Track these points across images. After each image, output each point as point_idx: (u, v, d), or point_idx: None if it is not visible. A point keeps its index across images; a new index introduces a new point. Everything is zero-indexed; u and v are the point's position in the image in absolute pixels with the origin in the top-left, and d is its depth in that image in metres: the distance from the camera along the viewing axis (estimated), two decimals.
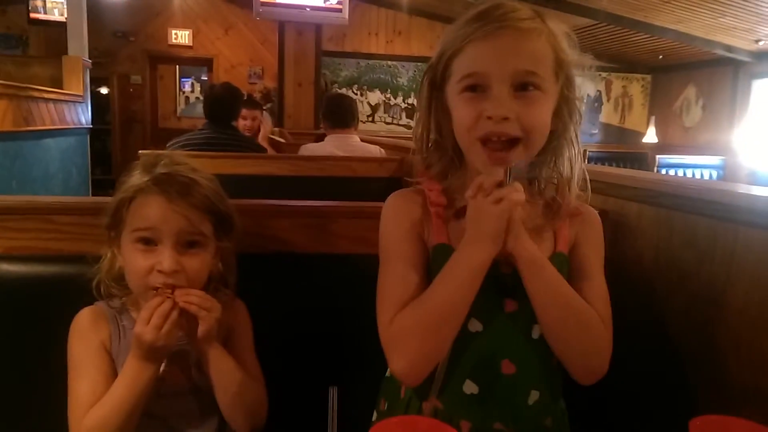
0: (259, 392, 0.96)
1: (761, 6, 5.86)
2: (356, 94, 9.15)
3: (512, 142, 0.83)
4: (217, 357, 0.91)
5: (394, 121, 9.41)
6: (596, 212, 0.96)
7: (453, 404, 0.88)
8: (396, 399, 0.96)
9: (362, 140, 3.30)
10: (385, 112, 9.39)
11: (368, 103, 9.34)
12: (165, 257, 0.88)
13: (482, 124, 0.82)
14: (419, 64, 9.32)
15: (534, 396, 0.88)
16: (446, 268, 0.83)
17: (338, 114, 3.24)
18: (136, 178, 0.92)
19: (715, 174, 6.12)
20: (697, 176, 5.78)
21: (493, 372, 0.87)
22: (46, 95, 5.07)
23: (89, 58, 6.02)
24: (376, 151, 3.24)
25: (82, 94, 6.02)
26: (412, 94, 9.39)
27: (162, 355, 0.88)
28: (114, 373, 0.90)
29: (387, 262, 0.91)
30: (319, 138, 3.57)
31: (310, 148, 3.29)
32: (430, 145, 0.93)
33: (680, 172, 5.76)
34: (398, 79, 9.36)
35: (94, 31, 6.71)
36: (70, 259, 1.03)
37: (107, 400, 0.86)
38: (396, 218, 0.93)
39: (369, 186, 2.92)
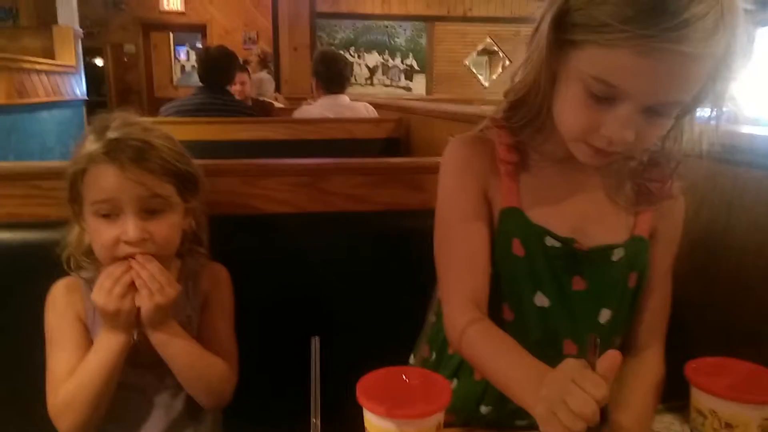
0: (221, 370, 0.91)
1: None
2: (353, 57, 9.01)
3: None
4: (165, 341, 0.87)
5: (393, 83, 9.30)
6: (683, 200, 0.86)
7: None
8: (443, 351, 0.92)
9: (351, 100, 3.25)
10: (383, 74, 9.27)
11: (366, 66, 9.20)
12: (129, 226, 0.84)
13: (594, 137, 0.71)
14: (417, 23, 9.15)
15: None
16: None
17: (332, 77, 3.17)
18: (88, 146, 0.87)
19: None
20: None
21: (555, 351, 0.82)
22: (38, 66, 5.01)
23: (81, 28, 5.92)
24: (365, 109, 3.19)
25: (74, 65, 5.94)
26: (410, 55, 9.25)
27: (126, 323, 0.84)
28: (90, 346, 0.88)
29: (447, 221, 0.84)
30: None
31: (304, 110, 3.25)
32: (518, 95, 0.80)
33: None
34: (396, 39, 9.21)
35: (84, 0, 6.58)
36: (57, 224, 1.01)
37: (78, 374, 0.85)
38: (458, 173, 0.84)
39: (367, 147, 2.90)
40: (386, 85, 9.23)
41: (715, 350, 0.91)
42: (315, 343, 0.56)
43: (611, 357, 0.59)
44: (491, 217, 0.83)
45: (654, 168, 0.82)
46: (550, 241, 0.81)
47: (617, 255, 0.82)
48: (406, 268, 1.12)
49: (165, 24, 8.74)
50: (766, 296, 0.89)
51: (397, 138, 2.97)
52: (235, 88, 3.84)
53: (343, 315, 1.13)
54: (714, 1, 0.63)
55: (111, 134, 0.86)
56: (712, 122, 0.75)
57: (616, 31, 0.63)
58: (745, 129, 0.99)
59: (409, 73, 9.29)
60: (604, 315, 0.83)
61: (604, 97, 0.68)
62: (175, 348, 0.88)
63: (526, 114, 0.80)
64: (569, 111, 0.73)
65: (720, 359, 0.70)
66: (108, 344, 0.85)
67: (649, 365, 0.85)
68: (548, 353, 0.78)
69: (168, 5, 8.49)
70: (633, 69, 0.64)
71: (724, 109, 0.74)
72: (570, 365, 0.60)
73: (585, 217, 0.83)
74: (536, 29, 0.73)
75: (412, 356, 1.00)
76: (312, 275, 1.15)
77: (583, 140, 0.73)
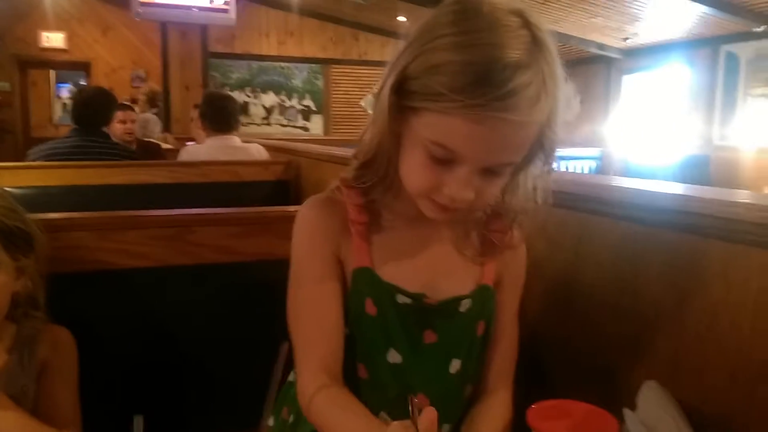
0: None
1: (628, 7, 6.38)
2: (249, 97, 8.94)
3: None
4: None
5: (290, 123, 9.29)
6: (524, 249, 0.91)
7: None
8: (301, 413, 0.87)
9: (243, 141, 3.20)
10: (280, 114, 9.25)
11: (263, 106, 9.15)
12: None
13: (438, 195, 0.73)
14: (313, 65, 9.27)
15: (445, 429, 0.86)
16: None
17: (220, 117, 3.11)
18: None
19: (594, 165, 6.50)
20: (579, 168, 6.12)
21: (407, 406, 0.82)
22: None
23: None
24: (256, 151, 3.15)
25: None
26: (307, 96, 9.32)
27: None
28: None
29: (299, 285, 0.84)
30: None
31: (190, 151, 3.15)
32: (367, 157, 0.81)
33: (563, 164, 6.07)
34: (292, 80, 9.25)
35: None
36: None
37: None
38: (310, 236, 0.84)
39: (255, 191, 2.83)
40: (283, 125, 9.21)
41: (569, 386, 0.94)
42: (138, 422, 0.51)
43: (428, 414, 0.61)
44: (344, 278, 0.83)
45: (495, 220, 0.85)
46: (401, 299, 0.81)
47: (465, 306, 0.84)
48: (276, 320, 1.09)
49: (45, 61, 8.25)
50: (612, 333, 0.94)
51: (287, 180, 2.94)
52: (117, 127, 3.66)
53: (200, 374, 1.07)
54: (536, 72, 0.66)
55: None
56: (545, 175, 0.79)
57: (449, 100, 0.65)
58: (590, 179, 1.06)
59: (307, 114, 9.34)
60: (455, 365, 0.85)
61: (443, 159, 0.70)
62: (5, 424, 0.79)
63: (375, 174, 0.81)
64: (413, 172, 0.75)
65: (560, 401, 0.72)
66: None
67: (498, 409, 0.87)
68: (402, 408, 0.77)
69: (48, 42, 8.04)
70: (466, 135, 0.67)
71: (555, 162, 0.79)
72: (393, 428, 0.61)
73: (434, 271, 0.85)
74: (379, 93, 0.75)
75: (271, 418, 0.96)
76: (168, 333, 1.08)
77: (428, 198, 0.75)
